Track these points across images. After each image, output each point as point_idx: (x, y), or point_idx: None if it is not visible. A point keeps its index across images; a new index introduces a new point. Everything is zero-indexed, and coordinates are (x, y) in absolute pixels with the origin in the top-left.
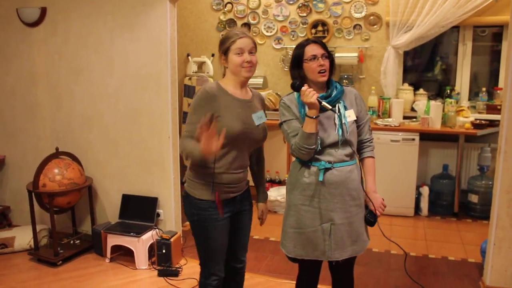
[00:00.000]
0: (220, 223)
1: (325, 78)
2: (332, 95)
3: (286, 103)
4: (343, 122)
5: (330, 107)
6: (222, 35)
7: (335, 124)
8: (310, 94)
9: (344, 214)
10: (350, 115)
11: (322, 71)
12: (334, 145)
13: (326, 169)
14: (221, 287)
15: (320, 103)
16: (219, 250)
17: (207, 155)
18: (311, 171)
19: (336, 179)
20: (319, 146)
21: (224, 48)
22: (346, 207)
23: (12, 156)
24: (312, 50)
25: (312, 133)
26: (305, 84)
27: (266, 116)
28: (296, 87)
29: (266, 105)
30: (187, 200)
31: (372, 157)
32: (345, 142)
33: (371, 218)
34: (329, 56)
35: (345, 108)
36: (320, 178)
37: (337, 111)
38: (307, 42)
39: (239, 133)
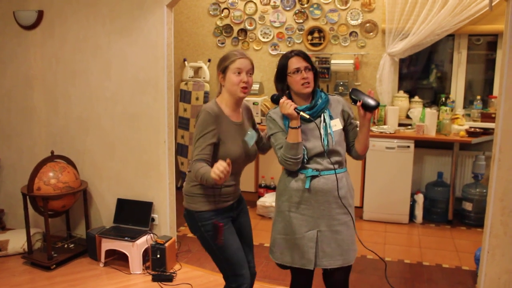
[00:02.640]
0: (226, 227)
1: (309, 90)
2: (316, 106)
3: (271, 116)
4: (328, 132)
5: (307, 116)
6: (219, 40)
7: (320, 134)
8: (288, 106)
9: (331, 222)
10: (335, 124)
11: (305, 84)
12: (321, 155)
13: (313, 177)
14: None
15: (298, 113)
16: (238, 252)
17: (219, 183)
18: (298, 178)
19: (322, 187)
20: (305, 156)
21: (223, 67)
22: (333, 215)
23: (7, 159)
24: (295, 63)
25: (295, 143)
26: (284, 96)
27: (256, 131)
28: (275, 100)
29: (261, 110)
30: (189, 216)
31: None
32: (332, 152)
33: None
34: (313, 68)
35: (331, 118)
36: (307, 186)
37: (322, 121)
38: (291, 54)
39: (238, 157)
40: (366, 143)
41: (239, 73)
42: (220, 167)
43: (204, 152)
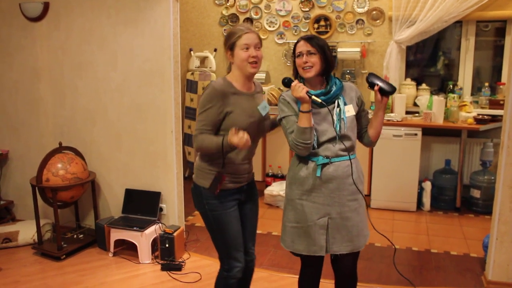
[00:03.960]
0: (231, 210)
1: (309, 75)
2: (331, 92)
3: (286, 99)
4: (341, 117)
5: (319, 100)
6: (225, 30)
7: (332, 119)
8: (300, 89)
9: (342, 208)
10: (349, 110)
11: (306, 68)
12: (332, 140)
13: (324, 164)
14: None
15: (310, 96)
16: (237, 236)
17: (242, 148)
18: (309, 166)
19: (333, 174)
20: (316, 141)
21: (230, 44)
22: (343, 202)
23: (16, 151)
24: (299, 47)
25: (306, 127)
26: (295, 80)
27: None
28: (286, 83)
29: (268, 98)
30: (195, 191)
31: None
32: (343, 137)
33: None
34: (320, 52)
35: (345, 104)
36: (318, 174)
37: (336, 106)
38: (299, 39)
39: (248, 127)
40: (380, 129)
41: (247, 48)
42: (241, 134)
43: (206, 127)
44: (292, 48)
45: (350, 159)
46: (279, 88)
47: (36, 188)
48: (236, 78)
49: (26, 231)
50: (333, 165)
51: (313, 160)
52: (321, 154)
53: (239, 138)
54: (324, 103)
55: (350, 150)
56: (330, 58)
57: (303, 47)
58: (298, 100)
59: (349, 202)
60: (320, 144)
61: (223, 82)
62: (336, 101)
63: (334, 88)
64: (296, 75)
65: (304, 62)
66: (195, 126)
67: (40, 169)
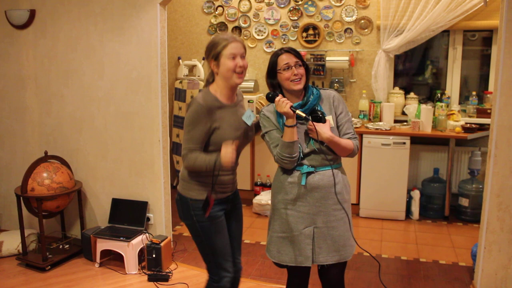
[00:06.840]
0: (219, 220)
1: (299, 86)
2: (308, 103)
3: (265, 114)
4: None
5: (304, 115)
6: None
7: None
8: (284, 104)
9: (327, 218)
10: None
11: (296, 80)
12: (315, 152)
13: (309, 173)
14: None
15: (294, 111)
16: (226, 245)
17: (228, 165)
18: (293, 175)
19: (319, 183)
20: (301, 154)
21: (215, 53)
22: (329, 211)
23: (1, 160)
24: (285, 59)
25: (291, 142)
26: (279, 94)
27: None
28: (270, 98)
29: (256, 107)
30: (181, 203)
31: (351, 140)
32: (327, 148)
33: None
34: (304, 64)
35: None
36: (303, 182)
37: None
38: (280, 51)
39: (236, 139)
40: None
41: (233, 57)
42: (229, 149)
43: (195, 145)
44: (269, 62)
45: (332, 169)
46: None
47: (21, 197)
48: (221, 89)
49: (10, 242)
50: (319, 174)
51: (297, 169)
52: (306, 163)
53: (227, 152)
54: (308, 117)
55: (334, 160)
56: (308, 69)
57: (290, 59)
58: (280, 114)
59: (334, 211)
60: (305, 155)
61: (208, 97)
62: None
63: (311, 99)
64: (273, 89)
65: (294, 74)
66: (183, 144)
67: (25, 178)
